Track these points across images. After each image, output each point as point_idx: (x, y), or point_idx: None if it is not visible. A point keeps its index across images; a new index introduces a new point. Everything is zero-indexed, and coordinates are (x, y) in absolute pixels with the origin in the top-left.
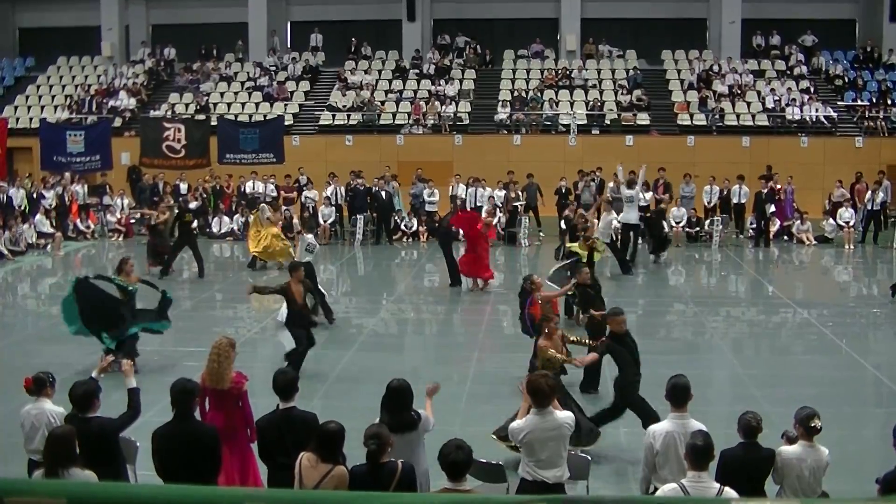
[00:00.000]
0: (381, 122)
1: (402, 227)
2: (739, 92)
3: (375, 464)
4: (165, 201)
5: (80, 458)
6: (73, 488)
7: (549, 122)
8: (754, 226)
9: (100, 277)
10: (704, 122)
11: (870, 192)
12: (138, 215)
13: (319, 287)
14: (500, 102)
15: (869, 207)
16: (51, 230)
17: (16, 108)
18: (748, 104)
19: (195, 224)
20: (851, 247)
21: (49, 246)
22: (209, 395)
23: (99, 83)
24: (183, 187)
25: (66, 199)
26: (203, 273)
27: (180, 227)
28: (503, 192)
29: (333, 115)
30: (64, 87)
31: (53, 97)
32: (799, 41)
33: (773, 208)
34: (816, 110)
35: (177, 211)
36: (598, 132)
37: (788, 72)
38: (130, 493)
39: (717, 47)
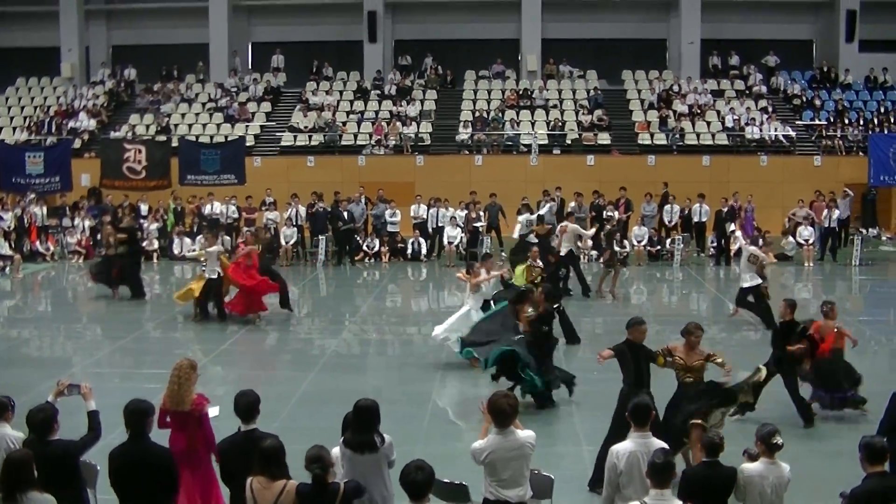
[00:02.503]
0: (343, 142)
1: (364, 247)
2: (699, 111)
3: (320, 486)
4: (125, 222)
5: (38, 481)
6: None
7: (510, 143)
8: (715, 244)
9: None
10: (665, 142)
11: (826, 210)
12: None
13: None
14: (462, 123)
15: (826, 225)
16: (10, 252)
17: None
18: (708, 123)
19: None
20: (811, 264)
21: (8, 268)
22: (170, 417)
23: (59, 104)
24: (144, 208)
25: (25, 220)
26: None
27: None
28: (465, 213)
29: (295, 136)
30: (23, 107)
31: (12, 118)
32: (762, 61)
33: (733, 227)
34: (775, 129)
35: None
36: (559, 152)
37: (747, 91)
38: None
39: (677, 67)
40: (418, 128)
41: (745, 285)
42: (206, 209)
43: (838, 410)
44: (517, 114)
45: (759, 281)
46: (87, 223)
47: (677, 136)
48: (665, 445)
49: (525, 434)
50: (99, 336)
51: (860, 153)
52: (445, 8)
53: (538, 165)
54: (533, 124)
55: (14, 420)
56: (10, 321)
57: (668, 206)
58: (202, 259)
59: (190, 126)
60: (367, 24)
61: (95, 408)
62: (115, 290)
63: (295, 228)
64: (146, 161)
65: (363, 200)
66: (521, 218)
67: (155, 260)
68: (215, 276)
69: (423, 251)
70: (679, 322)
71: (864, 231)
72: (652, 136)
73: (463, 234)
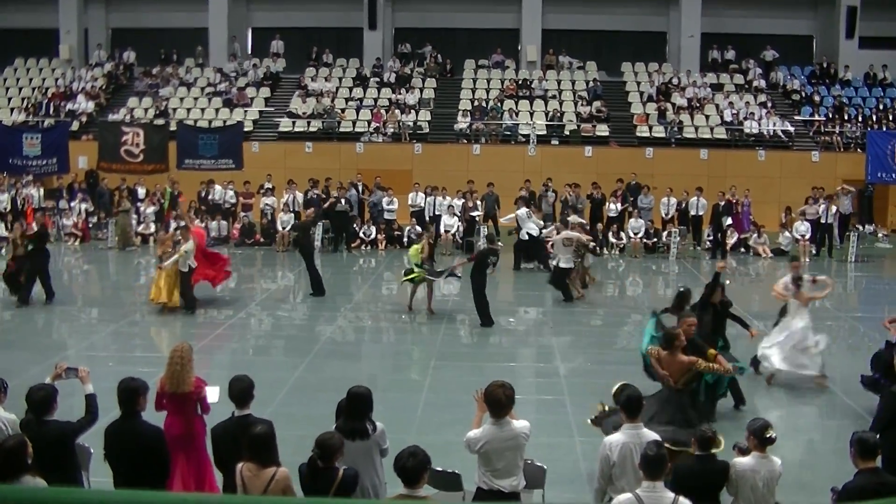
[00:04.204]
0: (341, 129)
1: (361, 234)
2: (698, 105)
3: (313, 469)
4: (123, 205)
5: (33, 465)
6: (16, 494)
7: (508, 133)
8: (711, 238)
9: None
10: (663, 135)
11: (823, 205)
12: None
13: None
14: (461, 112)
15: (823, 220)
16: (5, 234)
17: None
18: (706, 117)
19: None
20: (807, 260)
21: (3, 249)
22: (167, 400)
23: (57, 86)
24: (141, 192)
25: (19, 202)
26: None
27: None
28: (462, 202)
29: (293, 122)
30: (21, 89)
31: (10, 99)
32: (760, 56)
33: (729, 221)
34: (774, 124)
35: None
36: (557, 143)
37: (746, 86)
38: (78, 498)
39: (677, 60)
40: (417, 116)
41: (563, 266)
42: (209, 194)
43: None
44: (516, 104)
45: (572, 264)
46: (84, 206)
47: (675, 129)
48: (658, 437)
49: (520, 424)
50: (94, 319)
51: (858, 150)
52: None
53: (536, 156)
54: (531, 115)
55: (7, 402)
56: (4, 303)
57: (664, 199)
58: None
59: (188, 110)
60: (368, 11)
61: (93, 391)
62: (25, 298)
63: (292, 214)
64: (144, 145)
65: (359, 187)
66: (519, 212)
67: (151, 244)
68: (187, 270)
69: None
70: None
71: (860, 228)
72: (650, 128)
73: (460, 223)
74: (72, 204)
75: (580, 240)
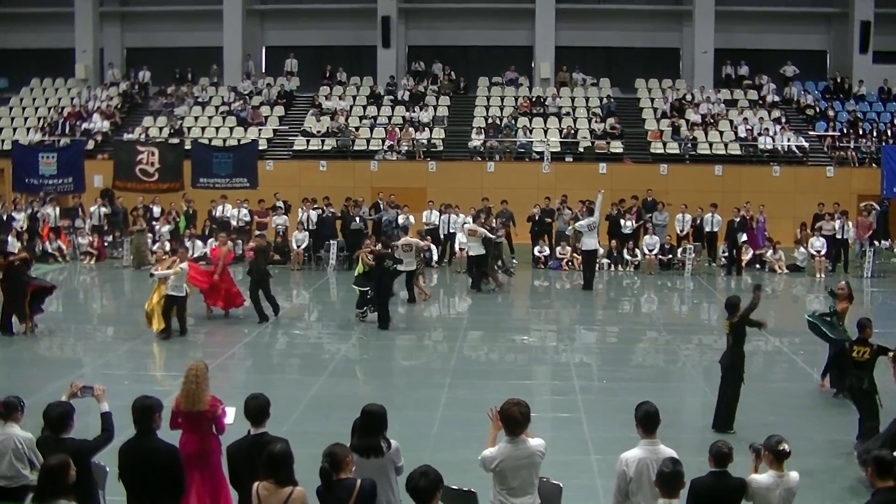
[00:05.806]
0: (356, 147)
1: None
2: (712, 121)
3: (328, 481)
4: (138, 224)
5: (71, 490)
6: None
7: (522, 150)
8: (726, 254)
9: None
10: (677, 151)
11: (838, 221)
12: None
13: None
14: (474, 129)
15: (840, 237)
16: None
17: None
18: (720, 133)
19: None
20: (822, 276)
21: None
22: (182, 418)
23: (72, 105)
24: (156, 210)
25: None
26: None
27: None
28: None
29: (308, 141)
30: (37, 108)
31: (26, 119)
32: (780, 71)
33: (744, 237)
34: (788, 140)
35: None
36: (571, 160)
37: (760, 101)
38: None
39: (690, 76)
40: (431, 134)
41: (403, 269)
42: (218, 211)
43: None
44: (530, 121)
45: (414, 267)
46: (104, 210)
47: (689, 145)
48: (674, 454)
49: (535, 442)
50: (109, 338)
51: (873, 164)
52: (459, 14)
53: (550, 173)
54: (545, 132)
55: (24, 421)
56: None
57: (679, 215)
58: (173, 275)
59: (203, 129)
60: (381, 30)
61: (108, 409)
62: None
63: (306, 233)
64: (159, 163)
65: (380, 206)
66: (583, 221)
67: None
68: (182, 294)
69: (435, 257)
70: (687, 331)
71: (876, 243)
72: (664, 144)
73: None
74: (91, 209)
75: (419, 245)
